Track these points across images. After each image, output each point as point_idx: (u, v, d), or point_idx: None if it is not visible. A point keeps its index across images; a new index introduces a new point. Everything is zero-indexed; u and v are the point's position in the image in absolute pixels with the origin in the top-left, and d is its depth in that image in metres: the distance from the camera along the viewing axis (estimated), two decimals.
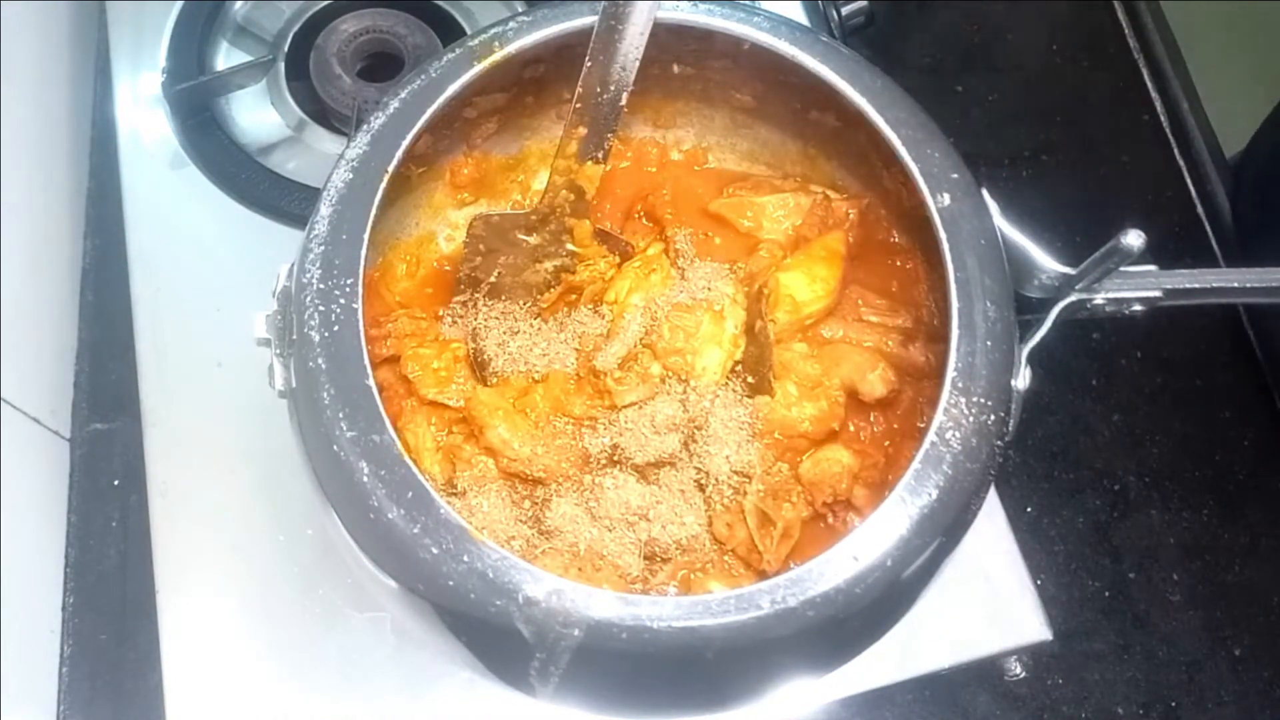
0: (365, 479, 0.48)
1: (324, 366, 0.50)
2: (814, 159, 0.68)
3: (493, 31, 0.58)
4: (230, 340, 0.75)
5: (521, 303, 0.64)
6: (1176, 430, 0.85)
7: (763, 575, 0.57)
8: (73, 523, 0.75)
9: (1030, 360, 0.53)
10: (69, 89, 0.86)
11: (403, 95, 0.56)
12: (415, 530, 0.47)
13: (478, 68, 0.57)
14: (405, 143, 0.55)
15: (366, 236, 0.53)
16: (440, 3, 0.89)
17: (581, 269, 0.64)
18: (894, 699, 0.72)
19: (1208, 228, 0.94)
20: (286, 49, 0.87)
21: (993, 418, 0.51)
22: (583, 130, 0.59)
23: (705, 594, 0.49)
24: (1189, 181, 0.95)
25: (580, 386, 0.61)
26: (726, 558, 0.58)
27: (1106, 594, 0.79)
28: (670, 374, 0.60)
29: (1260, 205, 0.89)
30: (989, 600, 0.71)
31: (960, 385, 0.51)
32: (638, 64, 0.57)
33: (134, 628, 0.71)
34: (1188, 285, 0.53)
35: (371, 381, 0.50)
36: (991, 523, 0.73)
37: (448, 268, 0.66)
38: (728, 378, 0.61)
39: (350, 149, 0.55)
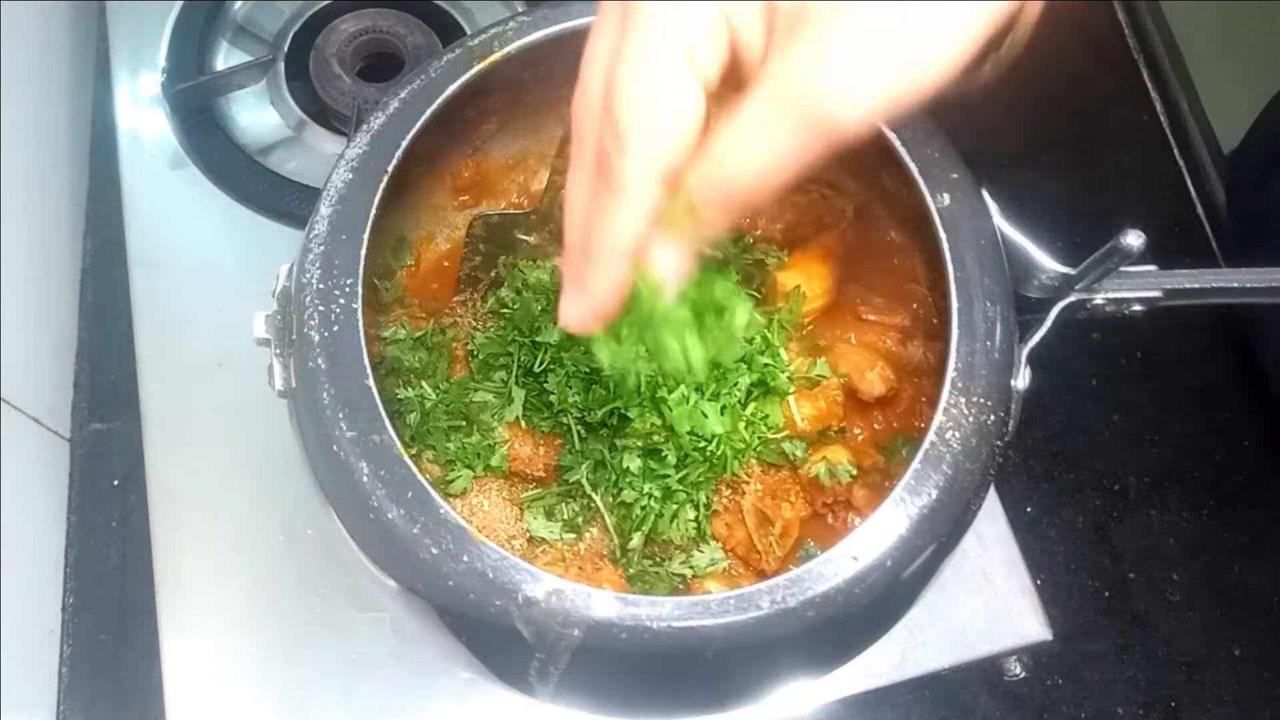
0: (365, 479, 0.48)
1: (324, 366, 0.50)
2: None
3: (493, 31, 0.58)
4: (230, 340, 0.75)
5: None
6: (1176, 430, 0.85)
7: (762, 575, 0.57)
8: (73, 523, 0.75)
9: (1030, 360, 0.53)
10: (69, 89, 0.86)
11: (403, 95, 0.56)
12: (415, 530, 0.47)
13: (478, 68, 0.57)
14: (405, 143, 0.55)
15: (366, 236, 0.53)
16: (440, 3, 0.89)
17: None
18: (894, 699, 0.72)
19: (1208, 228, 0.94)
20: (286, 49, 0.87)
21: (993, 418, 0.51)
22: None
23: (705, 594, 0.49)
24: (1189, 181, 0.95)
25: None
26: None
27: (1106, 594, 0.79)
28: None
29: (1255, 198, 0.89)
30: (989, 600, 0.71)
31: (960, 385, 0.51)
32: None
33: (134, 628, 0.71)
34: (1188, 285, 0.53)
35: (371, 381, 0.50)
36: (991, 523, 0.73)
37: (446, 264, 0.66)
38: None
39: (350, 149, 0.55)
